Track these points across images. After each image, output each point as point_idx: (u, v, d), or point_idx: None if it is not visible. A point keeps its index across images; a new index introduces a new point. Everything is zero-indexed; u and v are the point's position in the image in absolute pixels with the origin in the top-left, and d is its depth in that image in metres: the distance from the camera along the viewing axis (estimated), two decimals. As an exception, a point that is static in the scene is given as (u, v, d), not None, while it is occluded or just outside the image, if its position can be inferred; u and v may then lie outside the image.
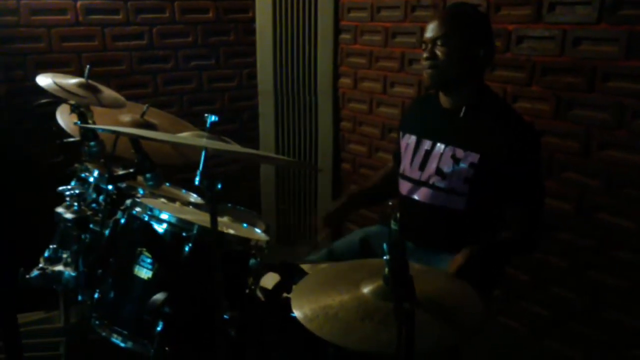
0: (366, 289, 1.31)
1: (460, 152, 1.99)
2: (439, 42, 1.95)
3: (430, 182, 2.06)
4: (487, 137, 1.95)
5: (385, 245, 1.17)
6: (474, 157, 1.96)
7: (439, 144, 2.06)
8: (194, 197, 2.33)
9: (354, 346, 1.19)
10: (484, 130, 1.97)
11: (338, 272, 1.49)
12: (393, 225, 1.12)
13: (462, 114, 2.00)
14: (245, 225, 1.98)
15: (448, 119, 2.06)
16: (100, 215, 1.88)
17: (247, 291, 1.71)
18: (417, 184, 2.11)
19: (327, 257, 2.19)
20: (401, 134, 2.26)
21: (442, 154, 2.04)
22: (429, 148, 2.09)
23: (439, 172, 2.04)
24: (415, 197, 2.11)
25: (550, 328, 2.58)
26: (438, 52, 1.95)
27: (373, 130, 3.39)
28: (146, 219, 1.71)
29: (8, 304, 1.98)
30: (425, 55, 1.98)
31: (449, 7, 2.16)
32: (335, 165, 3.69)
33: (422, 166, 2.10)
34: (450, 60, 1.94)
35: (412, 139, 2.16)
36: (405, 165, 2.18)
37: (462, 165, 1.98)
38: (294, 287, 1.53)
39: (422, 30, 2.90)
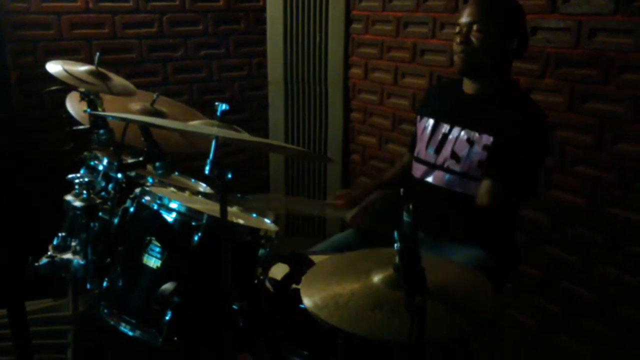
0: (377, 278, 1.29)
1: (475, 135, 1.99)
2: (474, 27, 1.95)
3: (445, 165, 2.06)
4: (502, 120, 1.95)
5: (396, 234, 1.15)
6: (488, 140, 1.96)
7: (456, 127, 2.06)
8: (203, 187, 2.32)
9: (365, 333, 1.18)
10: (500, 113, 1.97)
11: (348, 261, 1.48)
12: (405, 217, 1.10)
13: (486, 101, 2.01)
14: (254, 215, 1.97)
15: (469, 104, 2.06)
16: (109, 203, 1.87)
17: (256, 281, 1.70)
18: (432, 167, 2.11)
19: (331, 247, 2.16)
20: (418, 117, 2.25)
21: (457, 137, 2.04)
22: (446, 132, 2.09)
23: (454, 155, 2.04)
24: (429, 180, 2.12)
25: (561, 324, 2.56)
26: (473, 38, 1.96)
27: (383, 122, 3.37)
28: (155, 207, 1.69)
29: (17, 291, 1.99)
30: (458, 39, 1.98)
31: None
32: (345, 156, 3.68)
33: (438, 150, 2.10)
34: (483, 46, 1.95)
35: (430, 122, 2.16)
36: (420, 149, 2.18)
37: (477, 148, 1.98)
38: (303, 277, 1.53)
39: (434, 20, 2.91)
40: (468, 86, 2.08)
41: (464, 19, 1.98)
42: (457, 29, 2.00)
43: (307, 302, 1.27)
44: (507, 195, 1.94)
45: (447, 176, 2.06)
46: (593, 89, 2.30)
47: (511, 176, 1.93)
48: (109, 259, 1.78)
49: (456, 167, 2.03)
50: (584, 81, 2.32)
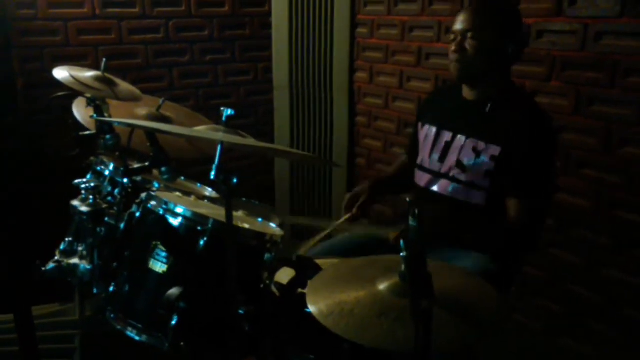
0: (382, 286, 1.29)
1: (481, 145, 1.97)
2: (469, 35, 1.93)
3: (451, 174, 2.04)
4: (510, 130, 1.92)
5: (402, 242, 1.15)
6: (495, 150, 1.93)
7: (459, 136, 2.04)
8: (209, 191, 2.32)
9: (371, 343, 1.17)
10: (507, 122, 1.94)
11: (353, 268, 1.48)
12: (412, 222, 1.10)
13: (487, 109, 1.98)
14: (260, 219, 1.97)
15: (470, 111, 2.04)
16: (115, 208, 1.88)
17: (261, 286, 1.70)
18: (437, 176, 2.10)
19: (330, 250, 2.15)
20: (420, 124, 2.24)
21: (462, 146, 2.02)
22: (449, 139, 2.07)
23: (459, 164, 2.02)
24: (435, 189, 2.10)
25: (565, 326, 2.55)
26: (467, 46, 1.93)
27: (388, 125, 3.37)
28: (161, 212, 1.70)
29: (23, 296, 1.99)
30: (453, 47, 1.96)
31: (482, 0, 2.12)
32: (350, 160, 3.67)
33: (442, 158, 2.08)
34: (479, 54, 1.92)
35: (432, 130, 2.14)
36: (424, 157, 2.16)
37: (483, 157, 1.96)
38: (309, 282, 1.52)
39: (440, 24, 2.91)
40: (467, 92, 2.07)
41: (458, 26, 1.95)
42: (452, 37, 1.97)
43: (313, 309, 1.27)
44: (537, 210, 1.95)
45: (452, 185, 2.04)
46: (599, 92, 2.29)
47: (535, 189, 1.93)
48: (115, 264, 1.78)
49: (462, 177, 2.01)
50: (590, 84, 2.32)
